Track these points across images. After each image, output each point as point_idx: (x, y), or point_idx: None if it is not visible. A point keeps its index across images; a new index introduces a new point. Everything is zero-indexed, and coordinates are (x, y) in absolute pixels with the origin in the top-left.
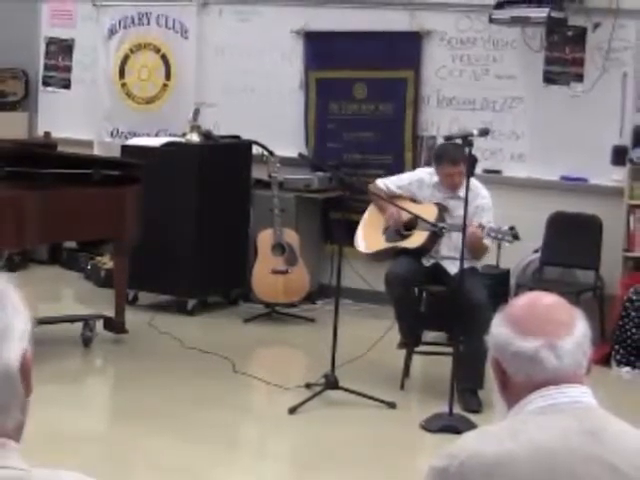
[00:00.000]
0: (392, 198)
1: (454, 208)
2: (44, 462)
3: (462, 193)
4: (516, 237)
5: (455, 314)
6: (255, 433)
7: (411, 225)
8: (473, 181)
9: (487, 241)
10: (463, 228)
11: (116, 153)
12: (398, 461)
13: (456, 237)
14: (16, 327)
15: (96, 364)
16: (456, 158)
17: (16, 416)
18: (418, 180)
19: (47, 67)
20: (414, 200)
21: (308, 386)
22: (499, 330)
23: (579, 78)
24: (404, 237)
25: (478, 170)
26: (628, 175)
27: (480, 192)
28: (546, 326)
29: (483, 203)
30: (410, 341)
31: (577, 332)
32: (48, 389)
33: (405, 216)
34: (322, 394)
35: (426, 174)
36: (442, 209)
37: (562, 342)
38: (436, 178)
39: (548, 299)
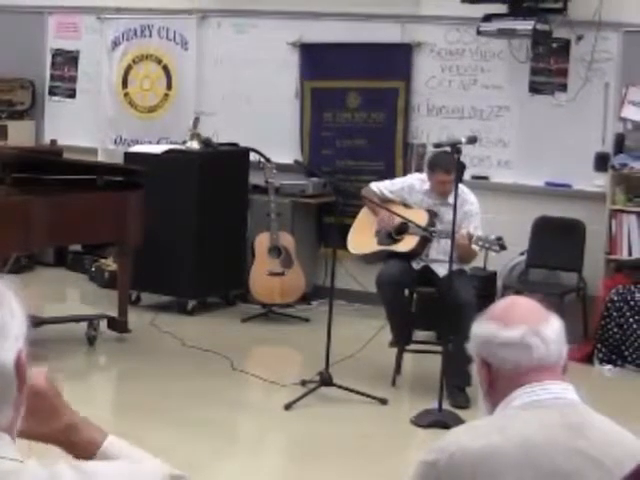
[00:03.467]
0: (385, 202)
1: (444, 214)
2: (50, 454)
3: (452, 200)
4: (503, 247)
5: (444, 314)
6: (252, 428)
7: (402, 229)
8: (462, 187)
9: (475, 246)
10: (452, 234)
11: (119, 160)
12: (389, 455)
13: (445, 241)
14: (13, 327)
15: (100, 362)
16: (449, 167)
17: (8, 413)
18: (409, 186)
19: (53, 77)
20: (405, 205)
21: (303, 383)
22: (482, 327)
23: (563, 88)
24: (395, 241)
25: (466, 176)
26: (610, 181)
27: (468, 198)
28: (527, 316)
29: (471, 209)
30: (401, 340)
31: (554, 323)
32: None
33: (396, 220)
34: (317, 391)
35: (417, 180)
36: (432, 215)
37: (544, 329)
38: (427, 185)
39: (524, 299)
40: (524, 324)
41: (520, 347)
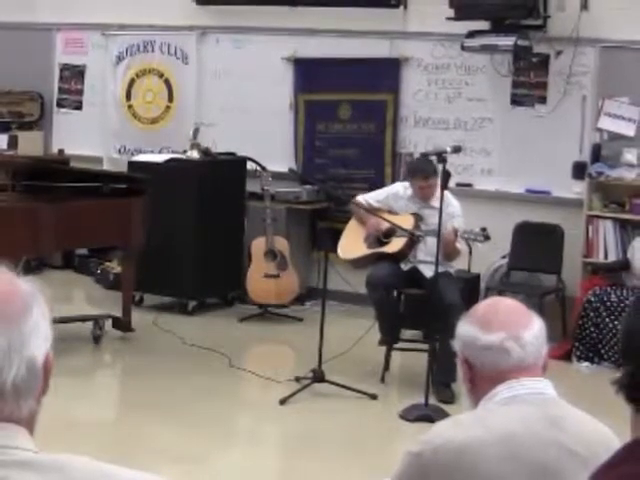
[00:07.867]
0: (372, 211)
1: (428, 217)
2: (58, 447)
3: (434, 203)
4: (487, 237)
5: (431, 314)
6: (249, 422)
7: (389, 233)
8: (445, 192)
9: (459, 245)
10: (438, 235)
11: (123, 168)
12: (378, 447)
13: (431, 243)
14: (44, 327)
15: (105, 359)
16: (428, 173)
17: (32, 405)
18: (394, 194)
19: (61, 90)
20: (391, 212)
21: (297, 379)
22: (466, 329)
23: (543, 100)
24: (383, 244)
25: (451, 184)
26: (587, 188)
27: (450, 202)
28: (508, 321)
29: (453, 210)
30: (390, 339)
31: (535, 326)
32: (62, 382)
33: (384, 225)
34: (310, 387)
35: (401, 187)
36: (418, 218)
37: (523, 333)
38: (410, 191)
39: (507, 301)
40: (503, 330)
41: (499, 351)
